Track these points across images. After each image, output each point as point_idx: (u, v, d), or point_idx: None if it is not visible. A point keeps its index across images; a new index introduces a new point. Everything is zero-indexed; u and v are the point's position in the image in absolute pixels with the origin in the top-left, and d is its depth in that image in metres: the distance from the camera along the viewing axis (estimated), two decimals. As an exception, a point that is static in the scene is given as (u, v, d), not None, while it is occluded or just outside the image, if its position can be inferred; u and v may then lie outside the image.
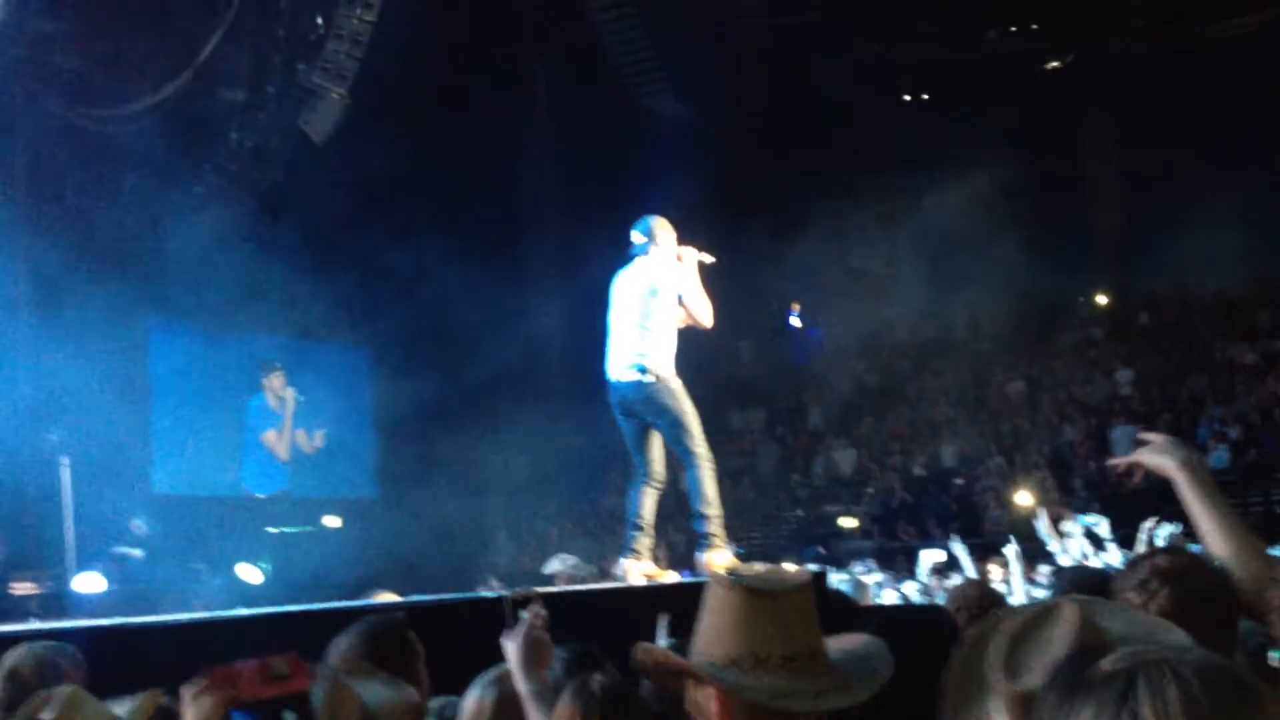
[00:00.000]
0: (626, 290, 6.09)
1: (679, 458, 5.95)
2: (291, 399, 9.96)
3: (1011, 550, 7.84)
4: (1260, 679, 1.19)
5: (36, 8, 12.06)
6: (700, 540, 5.89)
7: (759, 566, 2.02)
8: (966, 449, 19.70)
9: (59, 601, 9.64)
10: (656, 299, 5.98)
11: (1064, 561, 8.16)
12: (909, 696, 2.02)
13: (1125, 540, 8.98)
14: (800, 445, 21.39)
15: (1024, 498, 16.97)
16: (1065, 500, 16.07)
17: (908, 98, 23.45)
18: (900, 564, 13.11)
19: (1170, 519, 6.90)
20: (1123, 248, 23.83)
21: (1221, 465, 16.97)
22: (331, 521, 13.40)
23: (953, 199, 18.08)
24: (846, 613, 4.71)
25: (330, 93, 14.95)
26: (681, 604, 3.64)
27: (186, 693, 1.74)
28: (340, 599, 6.29)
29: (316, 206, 14.76)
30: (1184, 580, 2.36)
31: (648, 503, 5.99)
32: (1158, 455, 2.64)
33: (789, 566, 2.36)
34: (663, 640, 3.65)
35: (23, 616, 8.78)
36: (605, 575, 8.24)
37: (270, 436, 9.98)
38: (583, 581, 7.53)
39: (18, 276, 12.05)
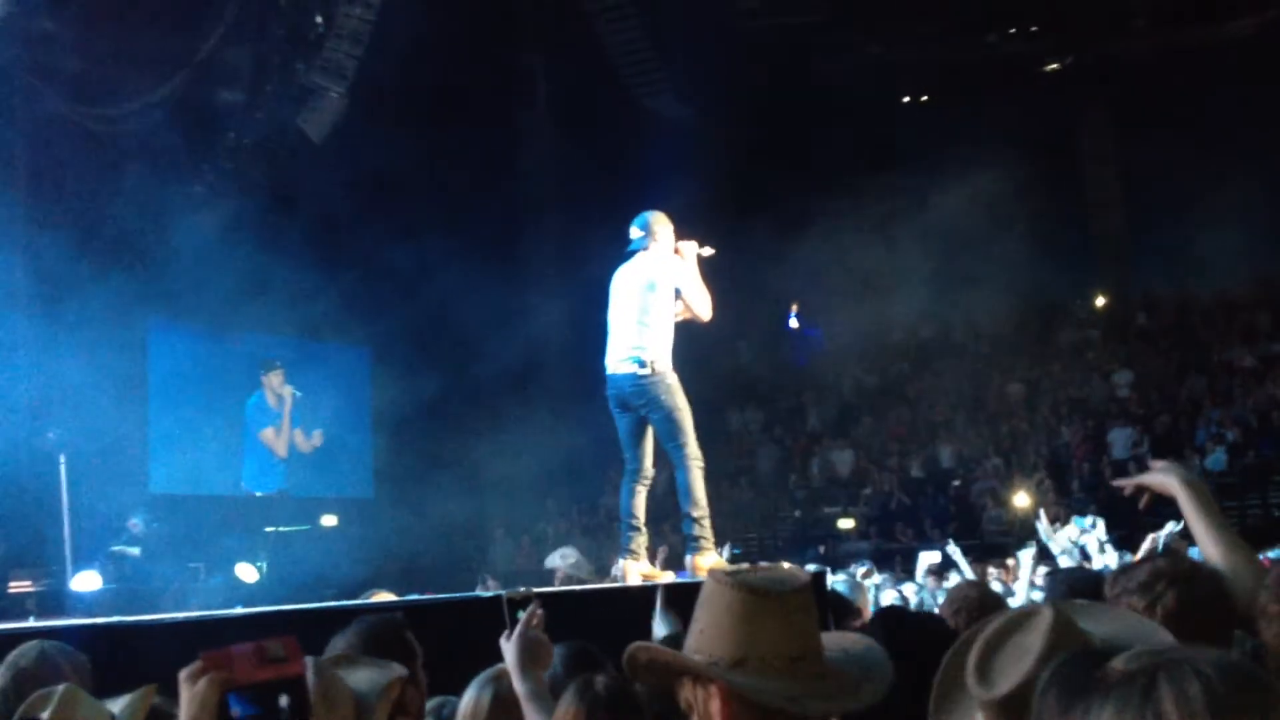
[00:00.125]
0: (625, 285, 6.11)
1: (669, 455, 5.96)
2: (290, 396, 9.95)
3: (1028, 554, 7.81)
4: None
5: (37, 5, 12.05)
6: (689, 543, 5.89)
7: (757, 566, 2.02)
8: (964, 450, 19.72)
9: (56, 600, 9.65)
10: (655, 294, 6.00)
11: (1063, 563, 8.17)
12: (908, 699, 2.02)
13: (1121, 542, 9.00)
14: (798, 446, 21.40)
15: (1022, 499, 17.00)
16: (1062, 502, 16.09)
17: (907, 99, 23.47)
18: (898, 565, 13.13)
19: (1162, 522, 6.91)
20: (1121, 249, 23.86)
21: (1219, 468, 16.99)
22: (328, 521, 13.40)
23: (952, 200, 18.09)
24: (844, 613, 4.71)
25: (329, 92, 14.95)
26: (679, 604, 3.64)
27: (182, 675, 1.74)
28: (338, 598, 6.30)
29: (316, 206, 14.76)
30: (1190, 583, 2.42)
31: (639, 501, 6.01)
32: (1161, 476, 2.82)
33: (787, 565, 2.36)
34: (661, 627, 3.66)
35: (20, 614, 8.80)
36: (604, 575, 8.25)
37: (268, 434, 9.97)
38: (581, 581, 7.53)
39: (16, 274, 12.05)
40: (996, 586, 8.21)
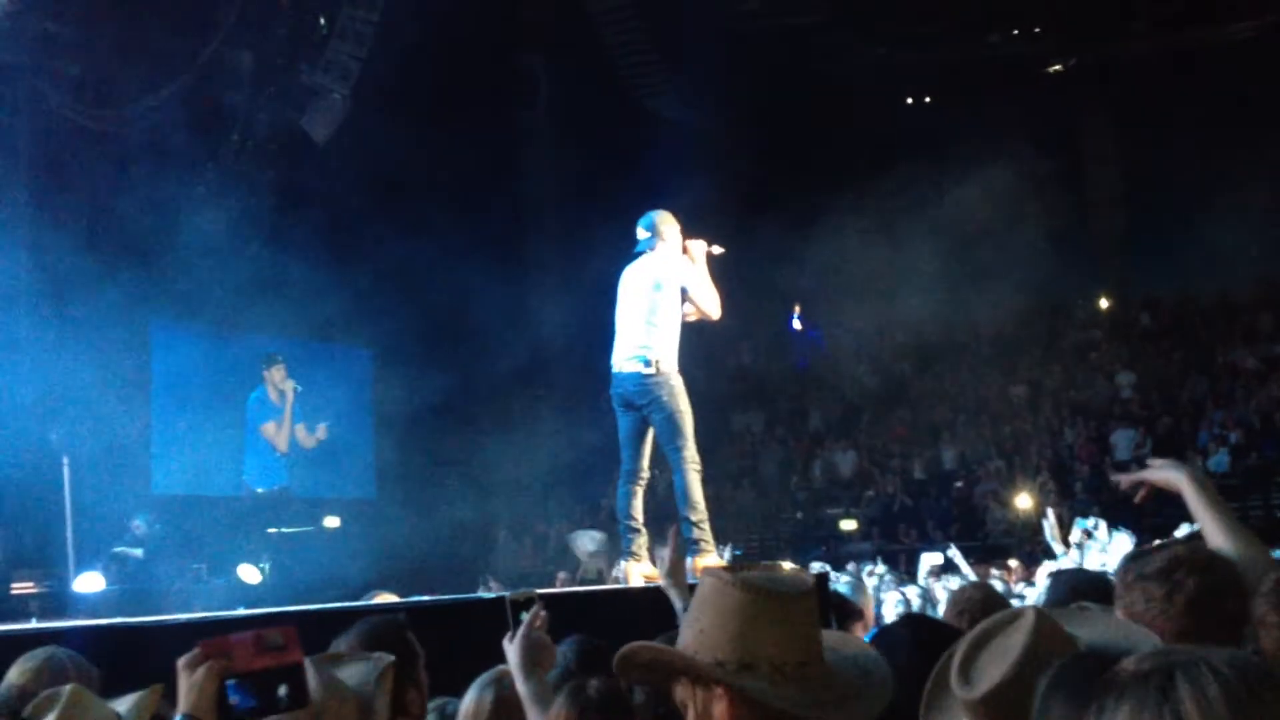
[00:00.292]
0: (632, 285, 6.11)
1: (667, 458, 5.96)
2: (291, 391, 9.92)
3: (1050, 566, 7.78)
4: None
5: (41, 5, 12.07)
6: (689, 545, 5.89)
7: (758, 565, 2.01)
8: (967, 452, 19.71)
9: (59, 601, 9.64)
10: (661, 294, 6.00)
11: (1065, 564, 8.16)
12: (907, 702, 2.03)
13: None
14: (801, 447, 21.39)
15: (1024, 501, 16.99)
16: (1065, 503, 16.07)
17: (910, 100, 23.47)
18: (901, 567, 13.11)
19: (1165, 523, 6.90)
20: (1123, 250, 23.85)
21: (1222, 469, 16.98)
22: (331, 522, 13.39)
23: (953, 201, 18.09)
24: (846, 614, 4.71)
25: (332, 93, 14.95)
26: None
27: (180, 663, 1.74)
28: (340, 599, 6.29)
29: (318, 206, 14.78)
30: (1211, 571, 2.34)
31: (636, 502, 6.02)
32: (1164, 472, 2.75)
33: (788, 564, 2.37)
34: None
35: (23, 616, 8.79)
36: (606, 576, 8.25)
37: (269, 429, 9.93)
38: (597, 570, 7.50)
39: (20, 274, 12.07)
40: (998, 587, 8.20)
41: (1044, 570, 7.73)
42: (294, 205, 14.73)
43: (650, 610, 3.81)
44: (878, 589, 6.94)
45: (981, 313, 22.12)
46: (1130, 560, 2.49)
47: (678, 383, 5.95)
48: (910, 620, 3.46)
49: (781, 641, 1.78)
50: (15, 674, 2.91)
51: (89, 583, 9.34)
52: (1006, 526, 17.24)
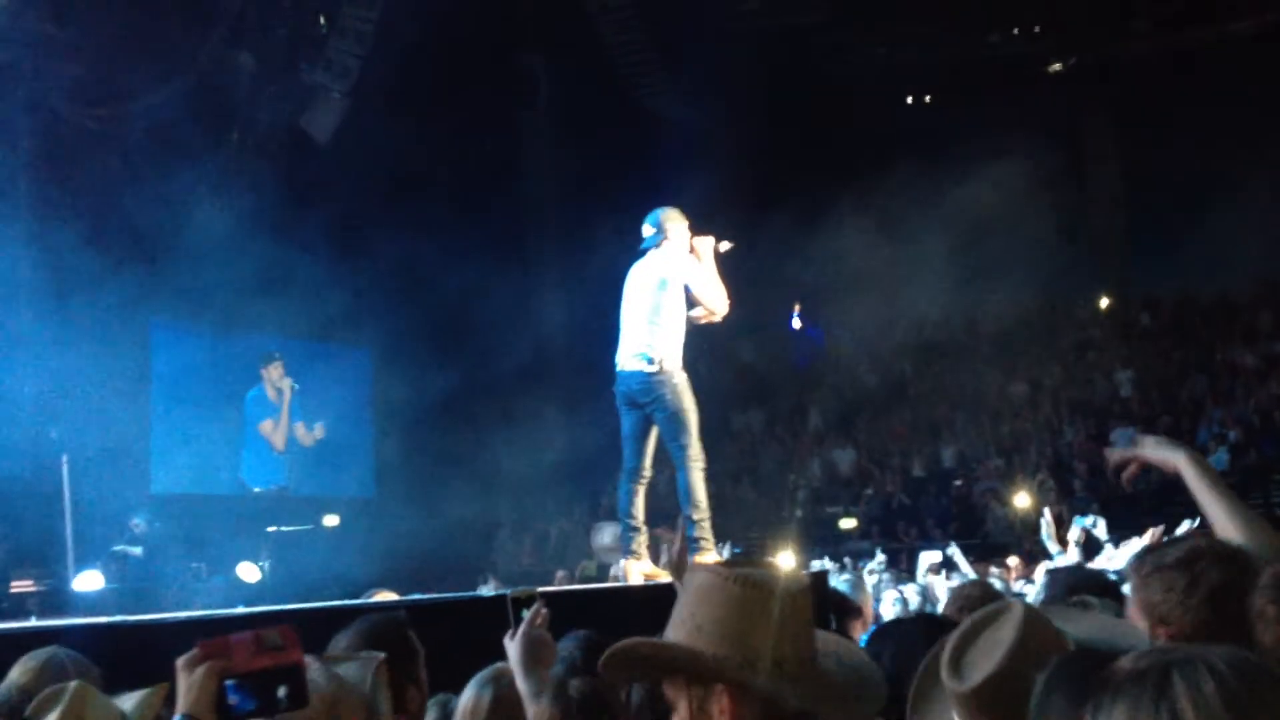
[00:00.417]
0: (637, 283, 6.12)
1: (671, 455, 5.96)
2: (289, 389, 9.90)
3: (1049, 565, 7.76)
4: None
5: (40, 6, 12.07)
6: (689, 544, 5.89)
7: (753, 561, 2.01)
8: (966, 450, 19.71)
9: (58, 599, 9.63)
10: (666, 292, 6.01)
11: (1062, 562, 8.15)
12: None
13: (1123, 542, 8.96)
14: (800, 446, 21.39)
15: (1024, 499, 16.99)
16: (1064, 502, 16.08)
17: (910, 100, 23.46)
18: (901, 565, 13.11)
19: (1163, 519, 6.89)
20: (1123, 249, 23.85)
21: (1221, 467, 16.97)
22: (330, 520, 13.39)
23: (953, 200, 18.08)
24: (846, 612, 4.71)
25: (332, 92, 14.96)
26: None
27: (179, 663, 1.75)
28: (340, 598, 6.30)
29: (319, 206, 14.76)
30: (1234, 561, 2.28)
31: (638, 501, 6.02)
32: (1161, 450, 2.63)
33: (786, 562, 2.37)
34: None
35: (22, 614, 8.80)
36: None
37: (267, 426, 9.92)
38: (616, 557, 7.46)
39: (20, 272, 12.06)
40: (997, 585, 8.20)
41: (1043, 569, 7.72)
42: (294, 204, 14.72)
43: (650, 608, 3.81)
44: (877, 587, 6.95)
45: (981, 311, 22.15)
46: (1146, 552, 2.45)
47: (682, 380, 5.95)
48: (923, 617, 3.48)
49: (781, 638, 1.77)
50: (17, 673, 2.91)
51: (88, 581, 9.34)
52: (1006, 525, 17.24)
